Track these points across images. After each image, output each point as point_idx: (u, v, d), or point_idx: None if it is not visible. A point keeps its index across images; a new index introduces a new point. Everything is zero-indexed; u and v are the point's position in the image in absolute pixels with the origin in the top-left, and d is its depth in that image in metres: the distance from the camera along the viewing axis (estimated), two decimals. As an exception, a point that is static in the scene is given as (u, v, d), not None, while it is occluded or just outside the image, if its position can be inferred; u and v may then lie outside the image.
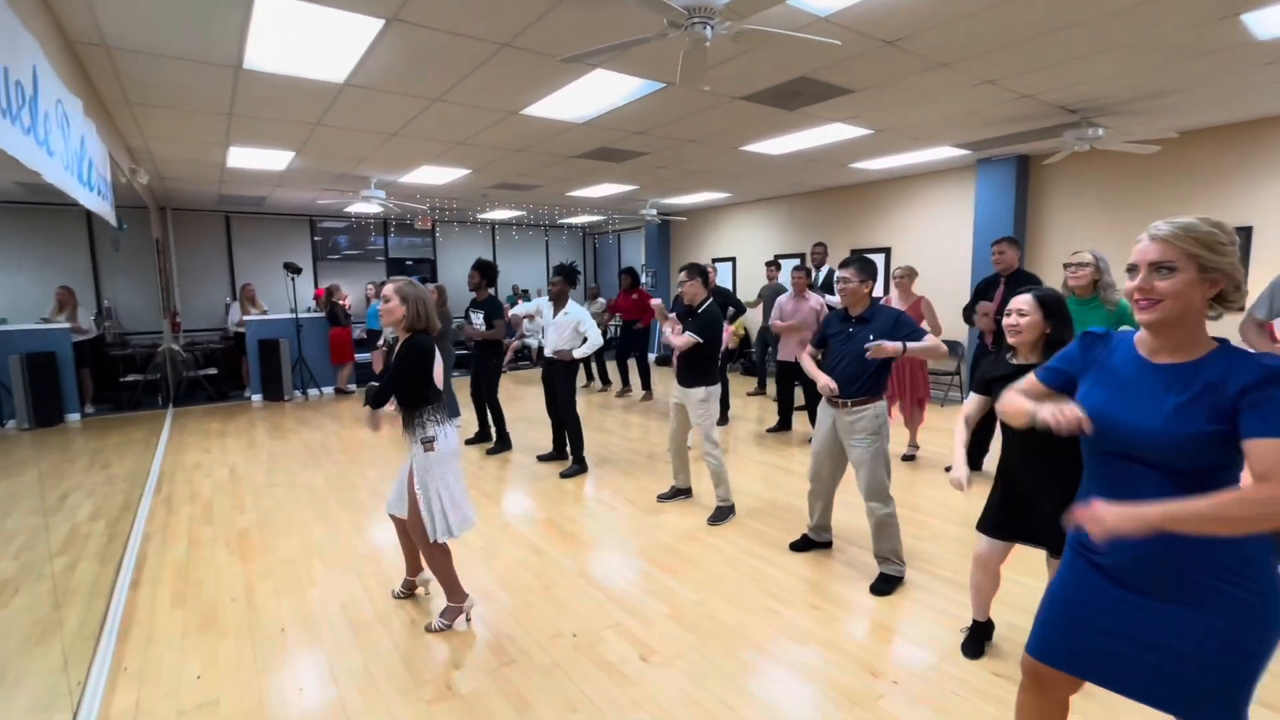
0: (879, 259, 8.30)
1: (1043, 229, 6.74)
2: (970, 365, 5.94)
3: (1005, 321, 2.21)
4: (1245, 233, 5.55)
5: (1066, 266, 3.59)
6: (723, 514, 3.89)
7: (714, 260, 10.81)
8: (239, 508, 4.23)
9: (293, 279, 8.07)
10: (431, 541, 2.60)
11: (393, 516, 2.82)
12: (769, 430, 6.07)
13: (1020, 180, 6.74)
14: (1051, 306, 2.15)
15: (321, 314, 8.59)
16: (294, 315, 8.11)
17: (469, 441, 5.65)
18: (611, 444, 5.71)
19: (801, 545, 3.47)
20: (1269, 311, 2.90)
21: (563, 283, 4.93)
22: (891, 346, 2.76)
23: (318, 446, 5.79)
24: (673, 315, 4.02)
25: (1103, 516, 1.23)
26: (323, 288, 9.87)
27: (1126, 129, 5.17)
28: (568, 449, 4.99)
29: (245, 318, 8.20)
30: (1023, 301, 2.18)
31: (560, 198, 8.93)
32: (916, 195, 7.84)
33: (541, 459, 5.18)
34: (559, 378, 4.88)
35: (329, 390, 8.50)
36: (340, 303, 8.64)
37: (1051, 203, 6.72)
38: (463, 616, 2.73)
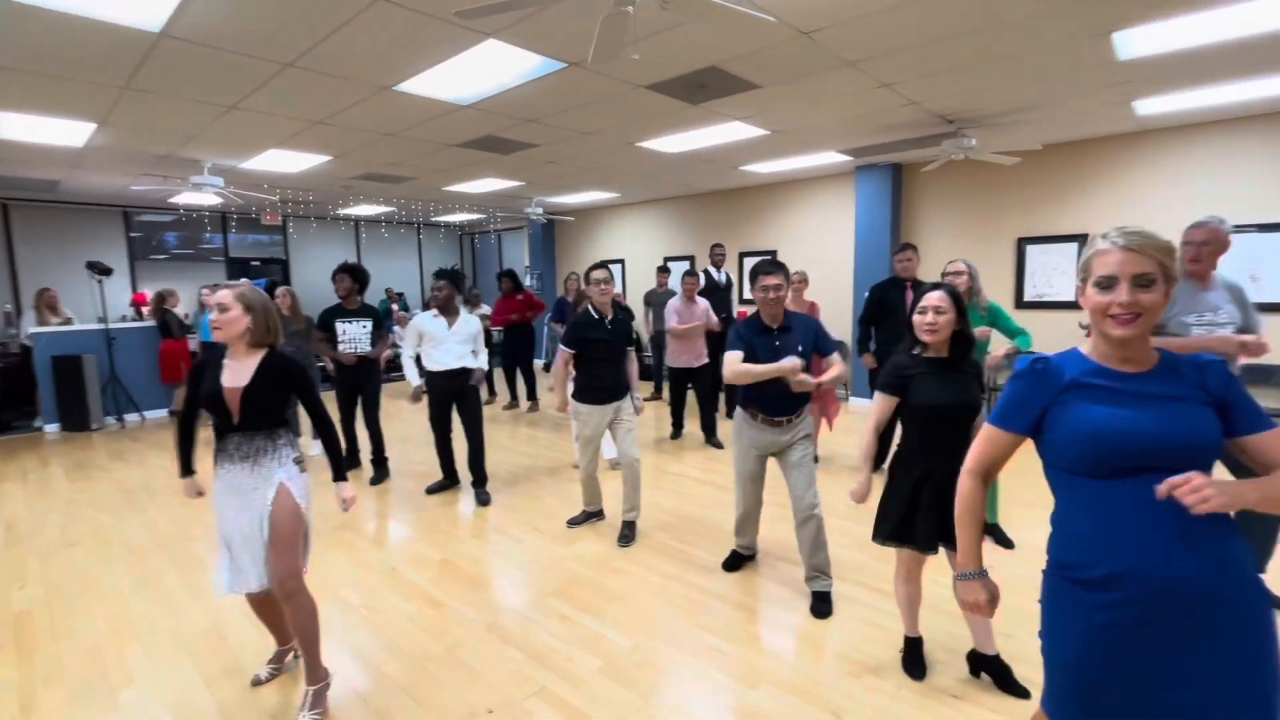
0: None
1: (915, 235, 7.13)
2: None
3: (922, 320, 2.17)
4: (1080, 240, 6.20)
5: (944, 275, 3.69)
6: (633, 529, 3.65)
7: (603, 262, 10.51)
8: (17, 580, 3.24)
9: (99, 281, 6.65)
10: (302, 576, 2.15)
11: (249, 597, 2.21)
12: (672, 438, 5.87)
13: (895, 188, 7.10)
14: (960, 302, 2.18)
15: (141, 324, 7.18)
16: (104, 326, 6.68)
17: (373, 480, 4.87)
18: (509, 464, 5.19)
19: (733, 564, 3.26)
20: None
21: (449, 288, 4.33)
22: (812, 381, 2.74)
23: (138, 487, 4.71)
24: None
25: (1200, 485, 1.11)
26: (144, 293, 8.31)
27: (996, 140, 5.54)
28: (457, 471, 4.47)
29: (38, 330, 6.63)
30: (939, 299, 2.15)
31: (436, 192, 8.17)
32: (801, 200, 8.05)
33: (430, 490, 4.56)
34: (471, 395, 4.31)
35: (157, 413, 7.12)
36: (173, 310, 7.29)
37: (923, 210, 7.14)
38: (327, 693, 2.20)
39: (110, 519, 4.07)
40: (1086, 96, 4.44)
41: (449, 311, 4.26)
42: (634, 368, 3.78)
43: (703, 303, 5.64)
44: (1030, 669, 2.21)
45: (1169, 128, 5.52)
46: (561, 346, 3.66)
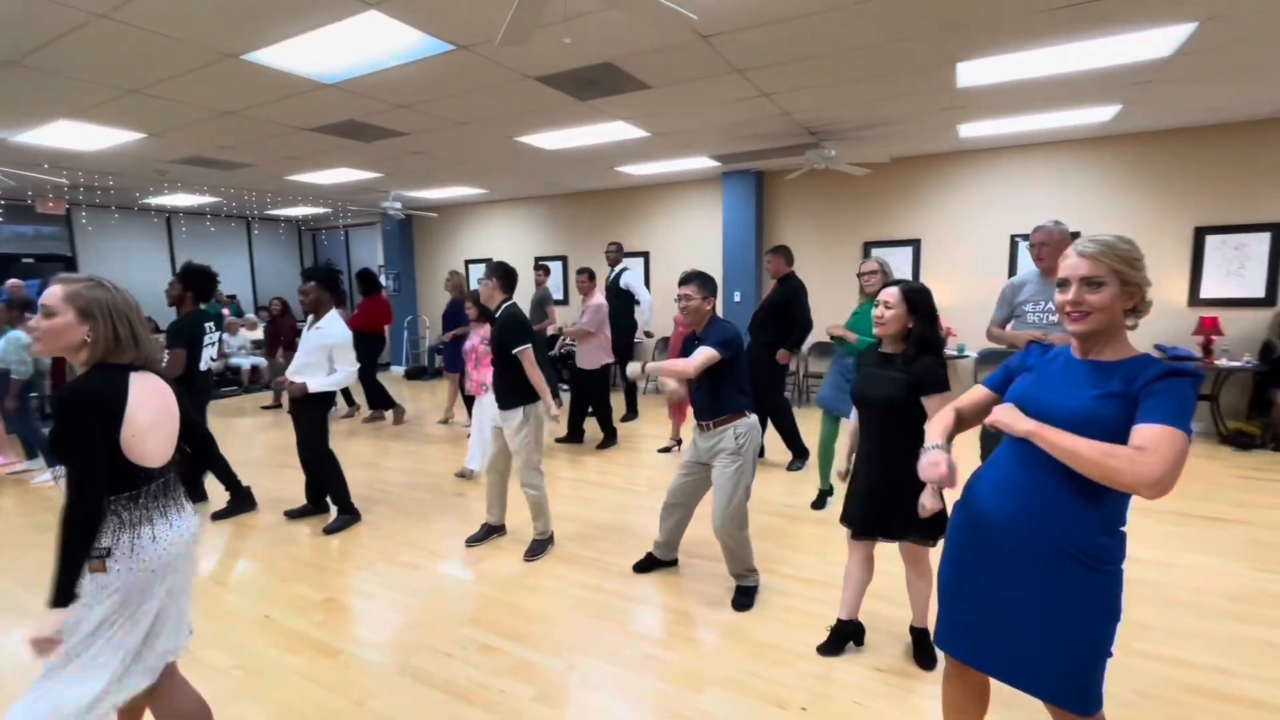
0: (638, 264, 8.55)
1: (776, 239, 7.58)
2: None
3: (875, 313, 2.24)
4: (915, 244, 7.02)
5: (860, 275, 3.97)
6: (541, 546, 3.42)
7: (467, 261, 10.03)
8: None
9: None
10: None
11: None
12: (559, 440, 5.71)
13: (758, 193, 7.53)
14: (916, 301, 2.19)
15: None
16: None
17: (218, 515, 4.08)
18: (385, 482, 4.72)
19: (646, 565, 3.21)
20: (1003, 316, 3.52)
21: (318, 290, 3.80)
22: (675, 367, 2.74)
23: (-126, 551, 3.61)
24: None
25: (996, 411, 1.45)
26: None
27: (852, 152, 6.04)
28: (327, 499, 3.96)
29: None
30: (889, 294, 2.22)
31: (277, 182, 7.24)
32: (671, 202, 8.25)
33: (291, 515, 4.00)
34: (302, 414, 3.78)
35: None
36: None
37: (783, 215, 7.65)
38: None
39: None
40: (927, 117, 5.01)
41: (319, 315, 3.77)
42: (534, 374, 3.29)
43: (594, 301, 5.54)
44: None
45: (983, 149, 6.42)
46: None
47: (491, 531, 3.64)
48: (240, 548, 3.63)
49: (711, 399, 2.78)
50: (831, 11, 2.99)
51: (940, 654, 2.30)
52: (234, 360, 8.62)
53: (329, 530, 3.77)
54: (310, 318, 3.79)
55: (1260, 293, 5.59)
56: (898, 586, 2.57)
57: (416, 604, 2.92)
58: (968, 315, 6.44)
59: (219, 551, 3.58)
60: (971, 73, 3.95)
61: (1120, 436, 1.28)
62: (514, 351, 3.21)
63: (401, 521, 3.93)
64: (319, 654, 2.53)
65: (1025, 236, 6.42)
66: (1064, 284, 1.40)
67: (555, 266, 9.02)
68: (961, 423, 1.60)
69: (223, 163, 6.08)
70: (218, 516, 4.02)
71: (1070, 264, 1.38)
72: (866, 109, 4.75)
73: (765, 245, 7.58)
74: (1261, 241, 5.53)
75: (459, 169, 6.83)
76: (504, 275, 3.38)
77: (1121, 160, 5.95)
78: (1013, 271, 6.45)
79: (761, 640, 2.57)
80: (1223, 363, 5.39)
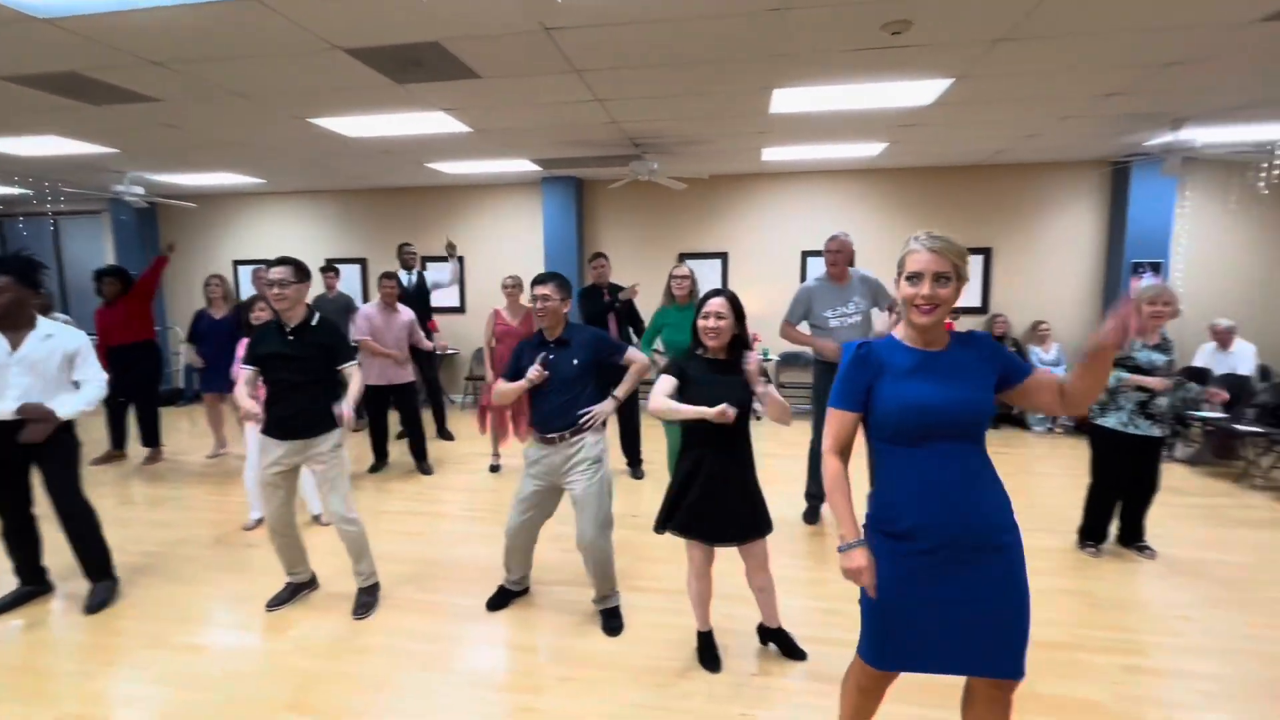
0: (450, 267, 7.97)
1: (596, 247, 7.59)
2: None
3: (705, 324, 2.28)
4: (724, 256, 7.54)
5: (673, 278, 4.07)
6: (370, 596, 2.93)
7: (236, 262, 8.48)
8: None
9: None
10: None
11: None
12: (370, 470, 5.04)
13: (579, 201, 7.49)
14: (738, 309, 2.33)
15: None
16: None
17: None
18: (139, 542, 3.69)
19: (500, 600, 2.92)
20: (797, 316, 3.88)
21: (15, 287, 2.81)
22: (600, 411, 2.63)
23: None
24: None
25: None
26: None
27: (673, 167, 6.27)
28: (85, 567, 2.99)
29: None
30: (719, 305, 2.29)
31: (-59, 149, 5.37)
32: (487, 206, 7.85)
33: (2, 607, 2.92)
34: (52, 452, 2.82)
35: None
36: None
37: (603, 223, 7.70)
38: None
39: None
40: (742, 138, 5.38)
41: (17, 324, 2.78)
42: (354, 386, 2.80)
43: (406, 313, 4.98)
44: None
45: (780, 173, 7.13)
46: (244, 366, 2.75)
47: (298, 590, 3.01)
48: (-104, 662, 2.53)
49: (580, 407, 2.61)
50: (682, 22, 2.99)
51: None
52: None
53: (93, 608, 2.85)
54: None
55: (978, 302, 7.02)
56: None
57: (205, 699, 2.27)
58: (768, 323, 7.03)
59: None
60: (784, 100, 4.30)
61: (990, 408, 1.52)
62: (343, 367, 2.75)
63: (172, 589, 3.09)
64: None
65: (816, 253, 7.29)
66: (916, 278, 1.47)
67: (350, 271, 8.04)
68: (847, 464, 1.64)
69: None
70: None
71: (923, 260, 1.46)
72: (690, 125, 4.94)
73: (586, 252, 7.56)
74: (977, 262, 6.94)
75: (230, 151, 5.70)
76: (304, 274, 2.80)
77: (884, 190, 7.03)
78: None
79: (641, 665, 2.45)
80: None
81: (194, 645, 2.61)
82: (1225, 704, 2.22)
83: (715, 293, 2.31)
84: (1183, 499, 4.26)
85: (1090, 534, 3.49)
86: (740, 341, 2.33)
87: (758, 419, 5.38)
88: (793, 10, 2.88)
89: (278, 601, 2.93)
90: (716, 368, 2.30)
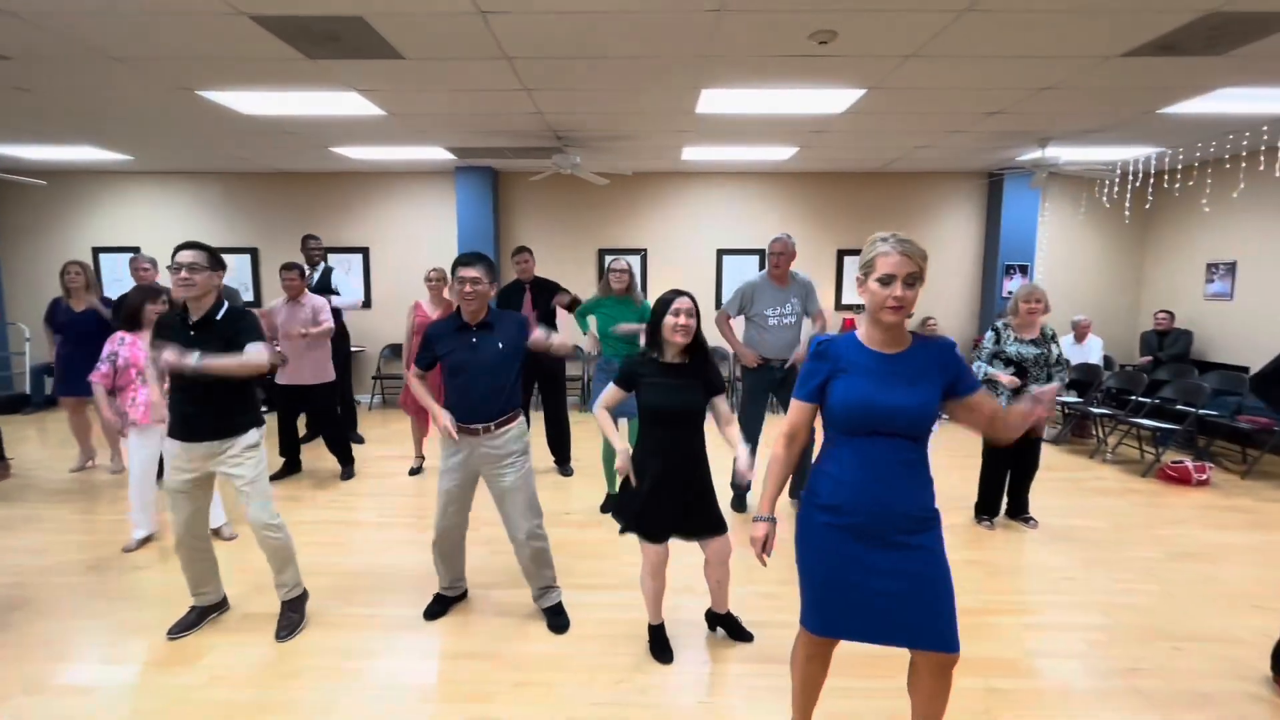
0: (355, 259, 7.51)
1: (514, 240, 7.42)
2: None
3: (675, 322, 2.28)
4: (643, 253, 7.62)
5: (611, 271, 4.08)
6: (296, 610, 2.70)
7: (96, 249, 7.50)
8: None
9: None
10: None
11: None
12: (273, 477, 4.64)
13: (495, 192, 7.27)
14: (698, 310, 2.35)
15: None
16: None
17: None
18: (8, 570, 3.18)
19: (438, 609, 2.80)
20: (736, 309, 4.03)
21: None
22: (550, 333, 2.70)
23: None
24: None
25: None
26: None
27: (595, 162, 6.22)
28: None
29: None
30: (687, 304, 2.31)
31: None
32: (395, 194, 7.45)
33: None
34: None
35: None
36: None
37: (519, 216, 7.53)
38: None
39: None
40: (666, 136, 5.45)
41: None
42: (242, 358, 2.43)
43: (313, 301, 4.59)
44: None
45: (698, 172, 7.29)
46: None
47: (207, 613, 2.72)
48: None
49: (506, 396, 2.55)
50: (620, 15, 2.98)
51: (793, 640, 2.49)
52: None
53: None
54: None
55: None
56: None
57: (109, 743, 2.00)
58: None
59: None
60: (711, 100, 4.40)
61: (935, 414, 1.60)
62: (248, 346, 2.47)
63: (45, 625, 2.69)
64: None
65: (731, 251, 7.53)
66: (888, 280, 1.52)
67: (239, 261, 7.35)
68: (795, 451, 1.74)
69: None
70: None
71: (894, 262, 1.51)
72: (617, 120, 4.93)
73: (502, 246, 7.36)
74: (877, 262, 7.47)
75: (91, 122, 5.02)
76: (218, 263, 2.52)
77: (792, 193, 7.38)
78: (720, 281, 7.50)
79: (595, 664, 2.43)
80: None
81: (80, 687, 2.28)
82: (1110, 649, 2.55)
83: (679, 292, 2.30)
84: (1051, 474, 4.81)
85: (985, 509, 3.89)
86: (702, 344, 2.34)
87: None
88: (730, 12, 2.95)
89: (182, 628, 2.62)
90: (671, 372, 2.31)
